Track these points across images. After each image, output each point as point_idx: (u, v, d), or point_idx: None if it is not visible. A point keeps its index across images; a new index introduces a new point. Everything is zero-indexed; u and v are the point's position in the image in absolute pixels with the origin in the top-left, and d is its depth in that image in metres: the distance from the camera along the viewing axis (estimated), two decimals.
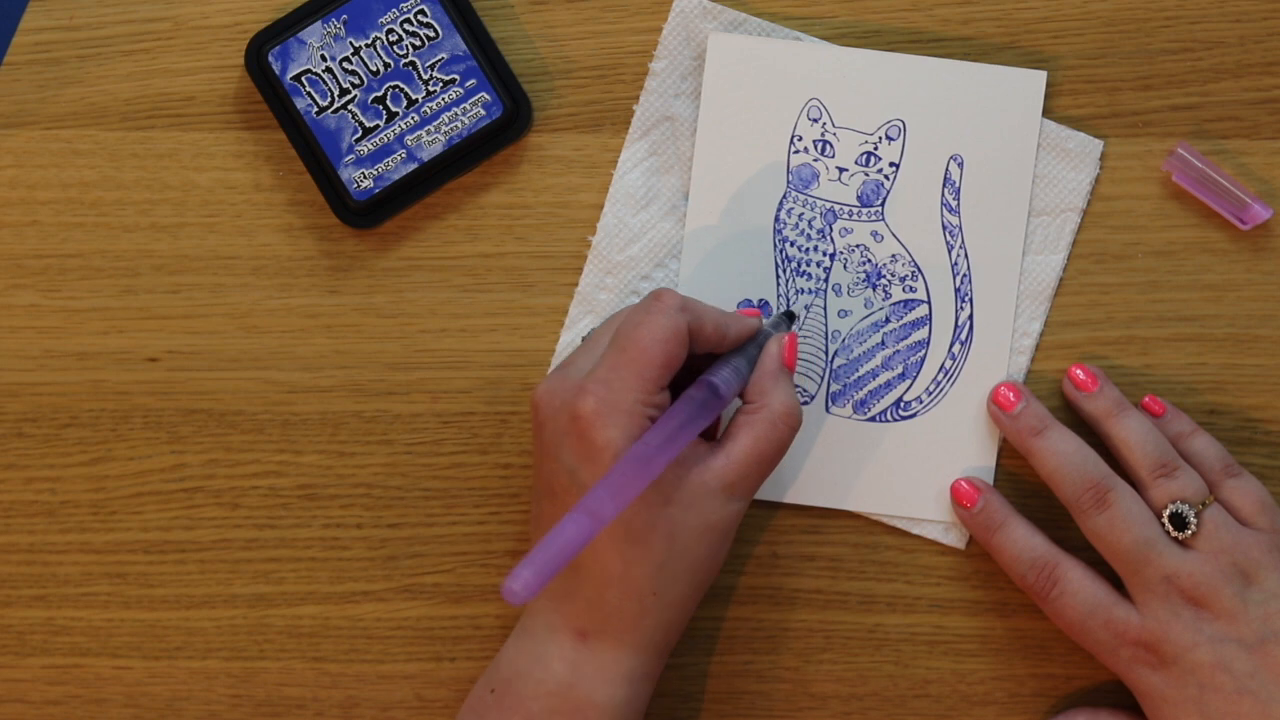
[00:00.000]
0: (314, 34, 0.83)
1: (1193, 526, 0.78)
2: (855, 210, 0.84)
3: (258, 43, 0.83)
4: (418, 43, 0.83)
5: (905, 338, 0.84)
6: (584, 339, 0.83)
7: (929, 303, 0.84)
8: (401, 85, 0.83)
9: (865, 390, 0.84)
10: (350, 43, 0.83)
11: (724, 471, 0.76)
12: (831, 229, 0.84)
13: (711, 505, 0.75)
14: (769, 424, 0.77)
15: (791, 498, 0.84)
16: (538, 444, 0.77)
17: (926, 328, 0.84)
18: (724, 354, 0.78)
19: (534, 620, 0.78)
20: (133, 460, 0.85)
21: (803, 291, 0.84)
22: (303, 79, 0.83)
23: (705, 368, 0.78)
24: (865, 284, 0.84)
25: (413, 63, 0.83)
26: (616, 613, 0.76)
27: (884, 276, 0.84)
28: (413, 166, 0.83)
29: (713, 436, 0.80)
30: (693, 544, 0.76)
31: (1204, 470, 0.81)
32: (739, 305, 0.84)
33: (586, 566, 0.74)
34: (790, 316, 0.82)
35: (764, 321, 0.81)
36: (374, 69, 0.83)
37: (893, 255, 0.84)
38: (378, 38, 0.83)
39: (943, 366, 0.84)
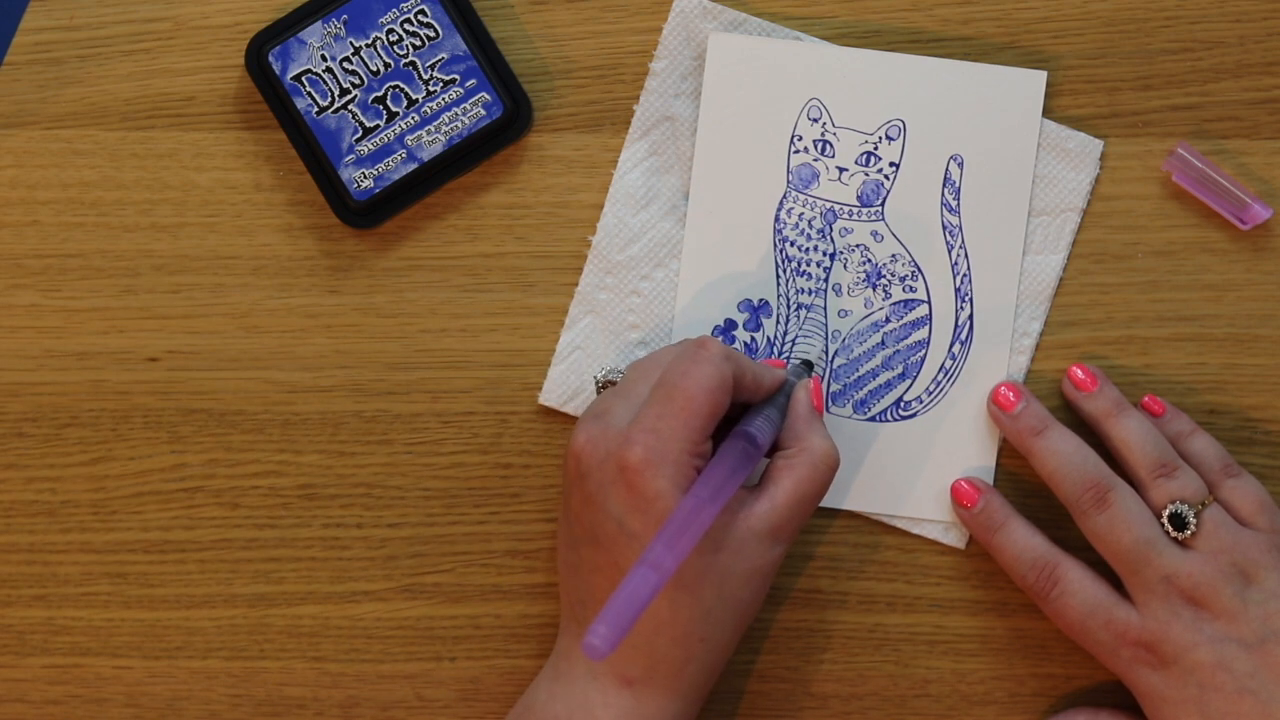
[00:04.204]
0: (314, 34, 0.83)
1: (1192, 527, 0.78)
2: (855, 210, 0.84)
3: (258, 43, 0.83)
4: (418, 43, 0.83)
5: (905, 338, 0.84)
6: (597, 380, 0.83)
7: (929, 302, 0.84)
8: (402, 85, 0.83)
9: (865, 390, 0.84)
10: (350, 43, 0.83)
11: (769, 516, 0.76)
12: (831, 229, 0.84)
13: (758, 550, 0.76)
14: (810, 467, 0.77)
15: None
16: (578, 492, 0.76)
17: (926, 327, 0.84)
18: (754, 405, 0.78)
19: (571, 666, 0.77)
20: (133, 460, 0.85)
21: (803, 291, 0.84)
22: (303, 79, 0.83)
23: (731, 416, 0.78)
24: (865, 284, 0.84)
25: (413, 63, 0.83)
26: (664, 660, 0.75)
27: (884, 276, 0.84)
28: (413, 166, 0.83)
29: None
30: (739, 589, 0.76)
31: (1203, 470, 0.81)
32: (743, 316, 0.84)
33: None
34: (809, 366, 0.83)
35: (786, 370, 0.81)
36: (374, 69, 0.83)
37: (893, 255, 0.84)
38: (378, 38, 0.83)
39: (943, 366, 0.84)
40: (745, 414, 0.78)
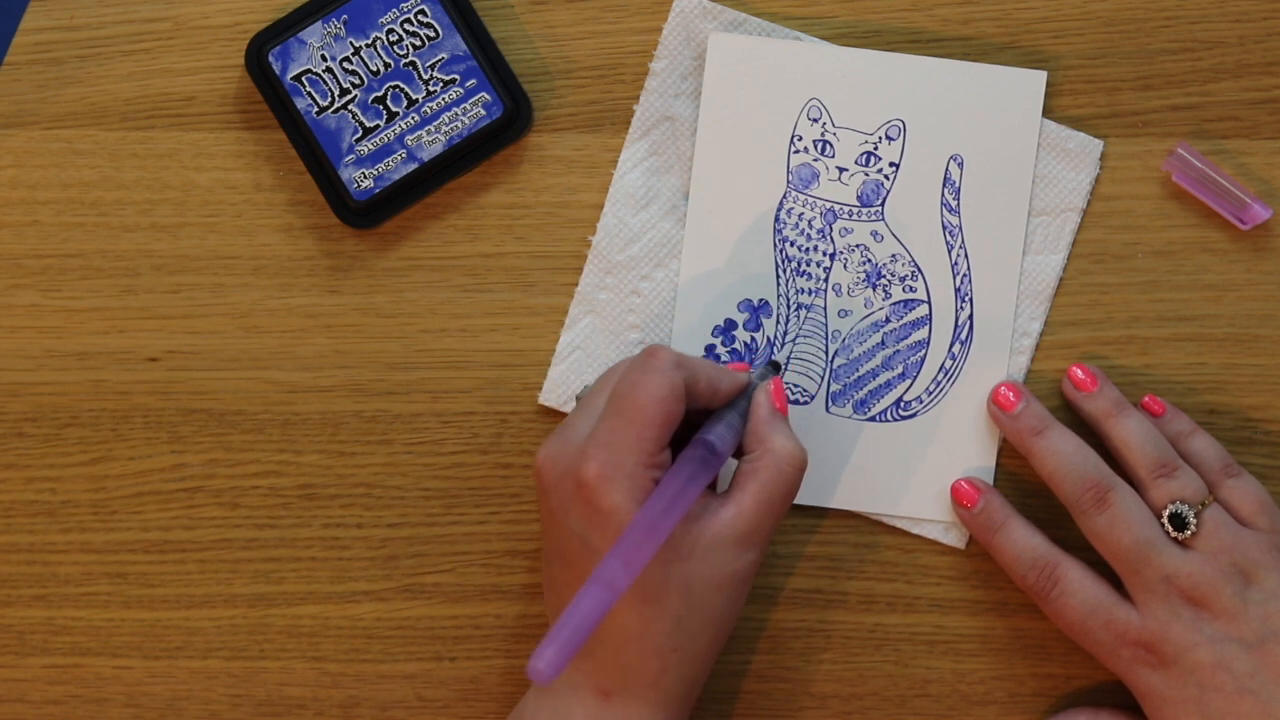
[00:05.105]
0: (314, 34, 0.83)
1: (1192, 527, 0.78)
2: (855, 210, 0.84)
3: (258, 43, 0.83)
4: (418, 43, 0.83)
5: (905, 337, 0.84)
6: (578, 396, 0.82)
7: (929, 302, 0.84)
8: (402, 85, 0.83)
9: (865, 390, 0.84)
10: (350, 43, 0.83)
11: (735, 522, 0.75)
12: (831, 229, 0.84)
13: (726, 557, 0.75)
14: (774, 469, 0.76)
15: None
16: (544, 509, 0.76)
17: (926, 327, 0.84)
18: (716, 410, 0.78)
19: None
20: (133, 460, 0.85)
21: (803, 291, 0.84)
22: (303, 79, 0.83)
23: (697, 423, 0.77)
24: (865, 284, 0.84)
25: (413, 63, 0.83)
26: (637, 671, 0.75)
27: (884, 276, 0.84)
28: (413, 166, 0.83)
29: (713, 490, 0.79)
30: (710, 597, 0.75)
31: (1204, 470, 0.81)
32: (743, 316, 0.84)
33: (604, 626, 0.73)
34: (775, 366, 0.83)
35: (751, 374, 0.81)
36: (374, 69, 0.83)
37: (893, 255, 0.84)
38: (378, 38, 0.83)
39: (943, 366, 0.84)
40: (706, 420, 0.78)
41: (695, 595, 0.75)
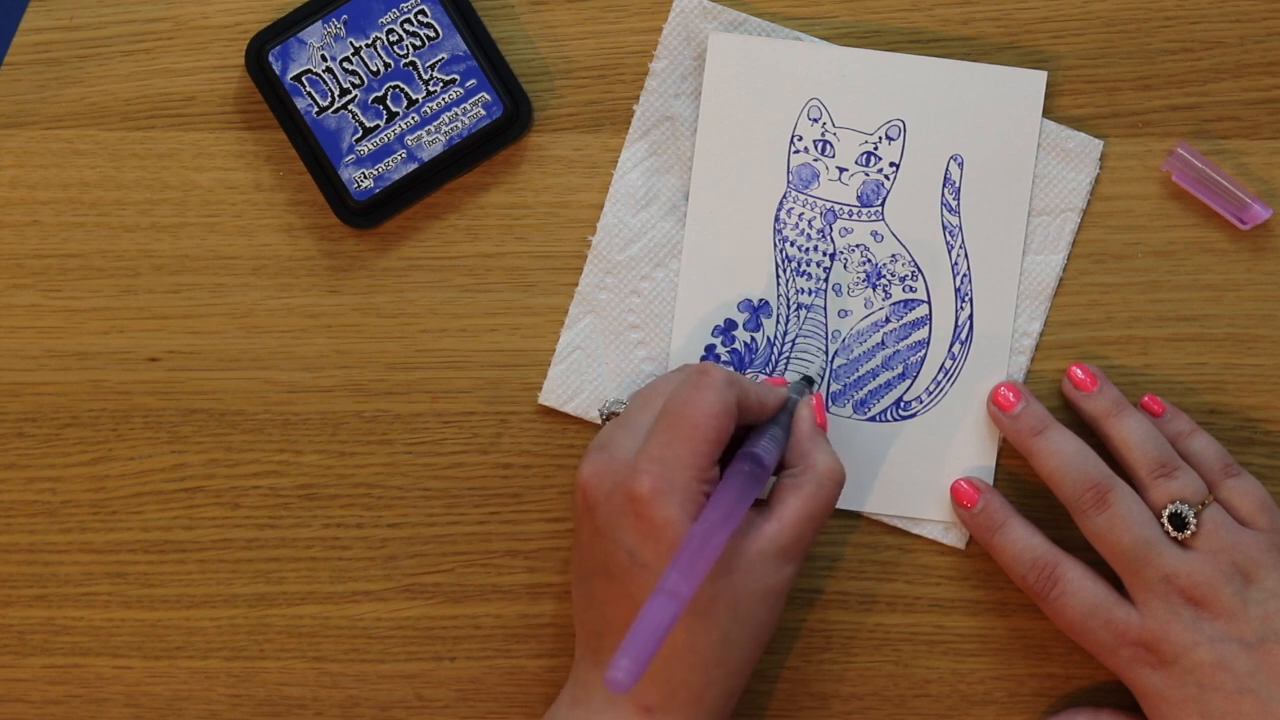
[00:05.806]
0: (314, 34, 0.83)
1: (1192, 526, 0.78)
2: (855, 210, 0.84)
3: (258, 43, 0.83)
4: (418, 43, 0.83)
5: (905, 338, 0.84)
6: (601, 413, 0.82)
7: (929, 303, 0.84)
8: (402, 85, 0.83)
9: (865, 390, 0.84)
10: (350, 43, 0.83)
11: (778, 536, 0.76)
12: (831, 229, 0.84)
13: (769, 570, 0.76)
14: (816, 484, 0.77)
15: None
16: (587, 524, 0.76)
17: (926, 328, 0.84)
18: (757, 425, 0.79)
19: (589, 694, 0.77)
20: (133, 460, 0.85)
21: (803, 291, 0.84)
22: (303, 79, 0.83)
23: (739, 437, 0.78)
24: (865, 284, 0.84)
25: (413, 63, 0.83)
26: (683, 686, 0.75)
27: (884, 276, 0.84)
28: (413, 166, 0.83)
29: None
30: (754, 609, 0.76)
31: (1203, 470, 0.81)
32: (743, 316, 0.84)
33: None
34: (810, 381, 0.83)
35: (788, 389, 0.81)
36: (374, 69, 0.83)
37: (893, 255, 0.84)
38: (378, 38, 0.83)
39: (943, 366, 0.84)
40: (750, 435, 0.78)
41: (741, 608, 0.75)
